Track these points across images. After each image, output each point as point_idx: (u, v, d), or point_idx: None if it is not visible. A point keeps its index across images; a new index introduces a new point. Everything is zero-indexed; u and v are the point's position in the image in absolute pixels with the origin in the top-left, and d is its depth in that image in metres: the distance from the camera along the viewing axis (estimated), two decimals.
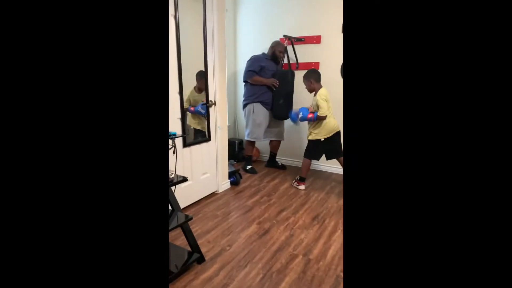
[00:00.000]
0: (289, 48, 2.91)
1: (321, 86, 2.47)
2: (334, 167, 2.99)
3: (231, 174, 2.59)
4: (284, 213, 2.08)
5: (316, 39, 2.87)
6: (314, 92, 2.50)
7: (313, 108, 2.48)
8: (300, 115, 2.48)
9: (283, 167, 3.13)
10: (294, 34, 2.93)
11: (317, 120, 2.40)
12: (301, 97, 3.03)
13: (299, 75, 3.00)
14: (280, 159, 3.27)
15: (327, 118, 2.37)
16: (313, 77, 2.48)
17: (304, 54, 2.95)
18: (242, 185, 2.63)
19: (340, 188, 2.58)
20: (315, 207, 2.19)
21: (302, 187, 2.56)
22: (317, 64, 2.91)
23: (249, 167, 2.99)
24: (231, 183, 2.61)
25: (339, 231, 1.84)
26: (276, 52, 2.79)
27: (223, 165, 2.48)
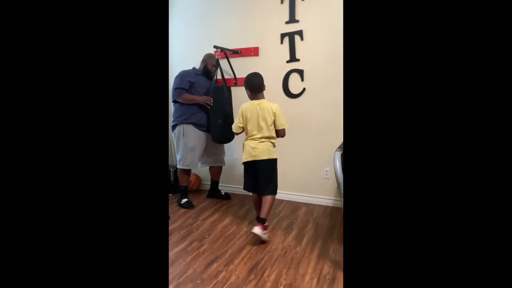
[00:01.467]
0: (224, 62, 2.56)
1: (255, 97, 1.95)
2: (284, 193, 2.62)
3: None
4: (214, 266, 1.62)
5: (253, 51, 2.56)
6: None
7: None
8: None
9: (227, 197, 2.69)
10: (230, 46, 2.60)
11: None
12: None
13: (237, 92, 2.65)
14: (225, 187, 2.84)
15: (246, 139, 1.96)
16: (246, 85, 1.98)
17: (242, 67, 2.61)
18: (172, 226, 2.13)
19: (289, 220, 2.20)
20: (254, 252, 1.76)
21: (256, 229, 1.87)
22: None
23: (184, 201, 2.50)
24: None
25: (281, 287, 1.43)
26: (208, 66, 2.42)
27: None
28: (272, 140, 1.94)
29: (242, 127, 1.97)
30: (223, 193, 2.70)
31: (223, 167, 2.68)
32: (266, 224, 1.88)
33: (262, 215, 1.86)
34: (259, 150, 1.89)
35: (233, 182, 2.86)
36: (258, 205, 1.95)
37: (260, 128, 1.90)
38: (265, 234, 1.85)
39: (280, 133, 1.95)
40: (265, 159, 1.90)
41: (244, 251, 1.77)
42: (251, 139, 1.93)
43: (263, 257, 1.70)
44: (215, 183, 2.70)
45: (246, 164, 1.97)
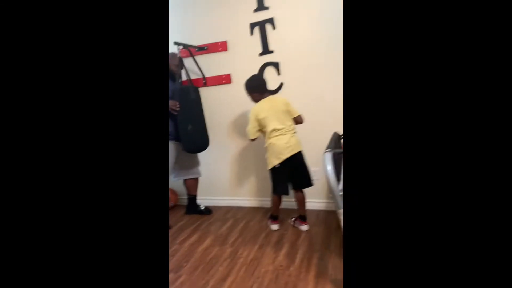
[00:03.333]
0: (190, 61, 2.26)
1: (262, 97, 1.89)
2: (268, 200, 2.36)
3: None
4: None
5: (221, 46, 2.28)
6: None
7: None
8: None
9: (207, 212, 2.40)
10: (195, 42, 2.30)
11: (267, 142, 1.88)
12: (218, 118, 2.38)
13: (208, 92, 2.36)
14: (205, 199, 2.54)
15: (269, 140, 1.85)
16: (250, 90, 1.92)
17: (210, 65, 2.33)
18: None
19: (278, 232, 1.94)
20: (241, 280, 1.49)
21: (274, 226, 2.02)
22: (228, 76, 2.31)
23: None
24: None
25: None
26: (171, 66, 2.11)
27: None
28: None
29: (260, 130, 1.88)
30: (203, 208, 2.41)
31: (200, 178, 2.38)
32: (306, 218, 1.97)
33: (304, 211, 1.95)
34: (294, 144, 1.83)
35: (213, 194, 2.57)
36: (279, 205, 1.98)
37: (283, 122, 1.83)
38: (308, 225, 1.97)
39: (298, 120, 1.89)
40: (300, 150, 1.87)
41: (229, 280, 1.49)
42: (280, 135, 1.81)
43: (251, 286, 1.42)
44: (192, 197, 2.40)
45: (281, 164, 1.82)
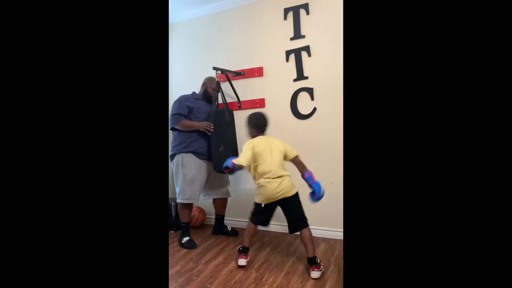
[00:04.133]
0: (227, 85, 2.38)
1: (260, 134, 1.89)
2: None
3: None
4: None
5: (257, 72, 2.38)
6: None
7: None
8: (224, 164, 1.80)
9: (234, 233, 2.38)
10: (233, 67, 2.43)
11: (253, 172, 1.82)
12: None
13: (241, 116, 2.44)
14: (232, 221, 2.54)
15: (260, 179, 1.77)
16: (252, 124, 1.92)
17: (246, 90, 2.42)
18: (170, 271, 1.83)
19: (306, 261, 1.86)
20: None
21: (241, 261, 1.81)
22: (262, 100, 2.38)
23: (185, 239, 2.21)
24: None
25: None
26: (209, 89, 2.23)
27: None
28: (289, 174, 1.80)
29: (250, 162, 1.78)
30: (230, 229, 2.40)
31: (229, 199, 2.40)
32: (319, 261, 1.69)
33: (312, 253, 1.68)
34: (286, 187, 1.73)
35: (240, 216, 2.56)
36: (253, 235, 1.88)
37: (275, 163, 1.76)
38: (321, 271, 1.67)
39: (297, 160, 1.82)
40: (294, 194, 1.76)
41: None
42: (271, 177, 1.74)
43: None
44: (220, 217, 2.41)
45: (267, 205, 1.78)
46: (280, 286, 1.60)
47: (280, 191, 1.72)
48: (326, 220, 2.20)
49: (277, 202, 1.76)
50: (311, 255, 1.68)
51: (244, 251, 1.83)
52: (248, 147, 1.79)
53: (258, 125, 1.89)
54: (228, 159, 1.79)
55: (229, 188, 2.37)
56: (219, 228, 2.41)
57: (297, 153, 1.83)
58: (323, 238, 2.17)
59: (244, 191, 2.52)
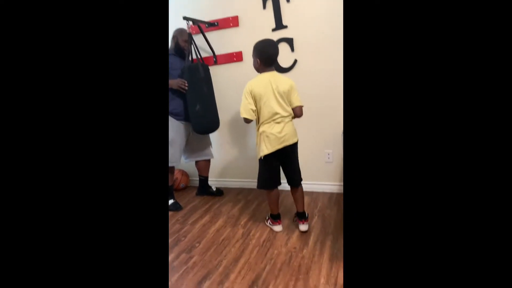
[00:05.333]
0: (200, 38, 2.17)
1: (265, 71, 1.55)
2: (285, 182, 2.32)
3: None
4: (206, 285, 1.33)
5: (232, 22, 2.17)
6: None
7: None
8: None
9: (219, 193, 2.38)
10: (205, 17, 2.20)
11: (257, 125, 1.60)
12: (229, 99, 2.31)
13: (218, 71, 2.28)
14: (216, 181, 2.53)
15: (261, 127, 1.56)
16: (257, 53, 1.54)
17: (221, 42, 2.23)
18: None
19: (290, 214, 1.91)
20: (253, 261, 1.47)
21: (277, 227, 1.73)
22: (239, 54, 2.21)
23: (170, 202, 2.19)
24: None
25: None
26: (180, 42, 2.03)
27: None
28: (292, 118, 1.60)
29: (255, 110, 1.55)
30: (214, 189, 2.39)
31: (212, 160, 2.35)
32: (307, 215, 1.73)
33: (302, 208, 1.70)
34: (288, 134, 1.55)
35: (225, 175, 2.55)
36: (277, 200, 1.72)
37: (280, 105, 1.52)
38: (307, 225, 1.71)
39: (297, 113, 1.58)
40: (295, 142, 1.61)
41: (241, 261, 1.48)
42: (273, 121, 1.52)
43: (264, 267, 1.41)
44: (204, 178, 2.38)
45: (270, 155, 1.56)
46: (267, 240, 1.65)
47: (284, 135, 1.53)
48: (308, 174, 2.23)
49: (279, 152, 1.57)
50: (301, 210, 1.70)
51: (276, 218, 1.74)
52: (246, 94, 1.53)
53: (266, 55, 1.52)
54: None
55: (211, 149, 2.31)
56: (204, 189, 2.40)
57: (300, 104, 1.58)
58: (306, 191, 2.21)
59: (226, 151, 2.47)
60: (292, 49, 2.07)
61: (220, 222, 1.93)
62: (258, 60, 1.54)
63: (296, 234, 1.67)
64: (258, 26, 2.11)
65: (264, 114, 1.53)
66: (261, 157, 1.61)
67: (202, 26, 2.15)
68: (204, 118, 2.02)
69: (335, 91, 2.00)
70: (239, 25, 2.17)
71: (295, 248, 1.54)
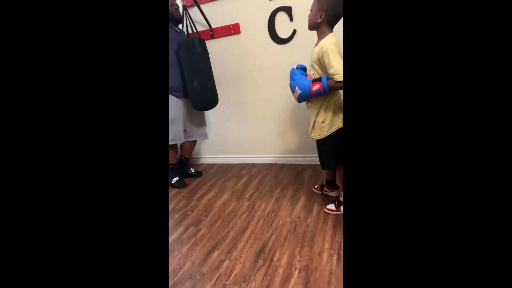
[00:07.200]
0: (195, 11, 2.09)
1: (326, 31, 1.32)
2: (284, 156, 2.34)
3: None
4: (215, 255, 1.39)
5: None
6: (318, 37, 1.35)
7: (313, 70, 1.38)
8: (297, 92, 1.36)
9: (198, 174, 2.38)
10: None
11: (331, 92, 1.32)
12: (227, 74, 2.27)
13: (216, 45, 2.22)
14: (219, 157, 2.55)
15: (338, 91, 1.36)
16: (326, 6, 1.26)
17: (217, 15, 2.16)
18: None
19: (294, 187, 1.95)
20: (260, 231, 1.52)
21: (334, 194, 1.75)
22: (237, 25, 2.14)
23: (175, 179, 2.22)
24: None
25: (296, 271, 1.20)
26: (171, 8, 1.92)
27: None
28: None
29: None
30: (194, 171, 2.38)
31: (212, 136, 2.36)
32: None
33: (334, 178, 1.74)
34: None
35: (227, 152, 2.57)
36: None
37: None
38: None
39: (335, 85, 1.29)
40: None
41: (248, 231, 1.53)
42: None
43: (271, 236, 1.46)
44: (185, 159, 2.31)
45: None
46: (272, 211, 1.69)
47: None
48: (310, 147, 2.24)
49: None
50: (332, 179, 1.74)
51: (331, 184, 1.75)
52: (340, 54, 1.24)
53: (335, 12, 1.26)
54: (303, 82, 1.33)
55: (206, 129, 2.29)
56: (183, 170, 2.33)
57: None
58: (308, 164, 2.24)
59: (226, 127, 2.47)
60: (291, 19, 2.00)
61: (225, 196, 1.97)
62: (323, 14, 1.27)
63: (299, 205, 1.71)
64: None
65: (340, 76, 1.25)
66: (335, 131, 1.40)
67: None
68: (202, 94, 2.00)
69: None
70: None
71: (299, 217, 1.58)
